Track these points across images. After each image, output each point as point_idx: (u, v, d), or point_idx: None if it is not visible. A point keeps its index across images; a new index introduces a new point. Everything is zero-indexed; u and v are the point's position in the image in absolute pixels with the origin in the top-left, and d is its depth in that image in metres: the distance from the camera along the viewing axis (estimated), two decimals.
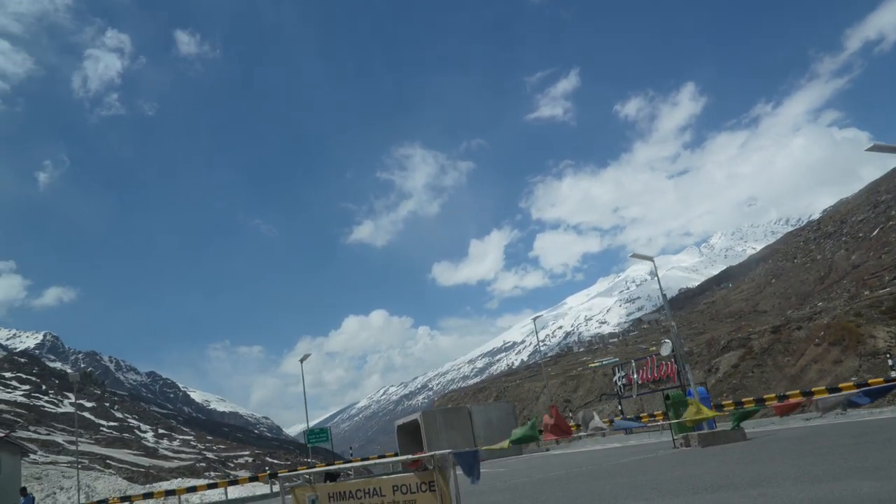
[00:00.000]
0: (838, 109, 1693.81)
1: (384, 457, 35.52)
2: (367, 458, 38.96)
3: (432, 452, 6.41)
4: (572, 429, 11.16)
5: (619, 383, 33.59)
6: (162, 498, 37.62)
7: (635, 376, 29.11)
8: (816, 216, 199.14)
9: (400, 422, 35.65)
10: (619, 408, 36.43)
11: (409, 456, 7.38)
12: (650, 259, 35.54)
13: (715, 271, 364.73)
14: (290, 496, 7.05)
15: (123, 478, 71.69)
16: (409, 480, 6.35)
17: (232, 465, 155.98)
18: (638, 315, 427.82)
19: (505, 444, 10.62)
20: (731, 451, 15.11)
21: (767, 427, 20.76)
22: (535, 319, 58.54)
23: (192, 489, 36.99)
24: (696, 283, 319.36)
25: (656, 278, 30.72)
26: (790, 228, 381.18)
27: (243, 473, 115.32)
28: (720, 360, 67.12)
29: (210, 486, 36.14)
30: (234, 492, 42.16)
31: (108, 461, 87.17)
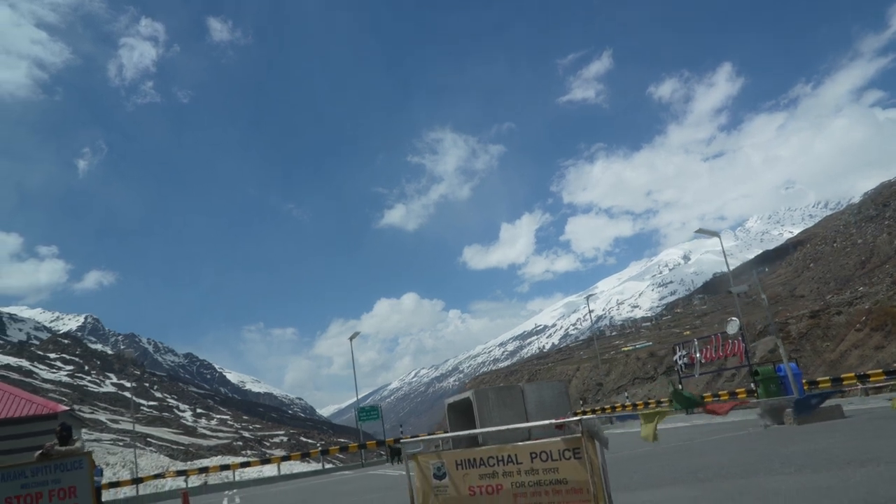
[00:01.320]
0: (882, 89, 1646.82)
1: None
2: (433, 433, 39.55)
3: (579, 417, 5.89)
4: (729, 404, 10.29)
5: (681, 362, 33.02)
6: (217, 471, 39.09)
7: (698, 355, 28.65)
8: (857, 199, 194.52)
9: (450, 400, 35.37)
10: (680, 387, 35.93)
11: (554, 420, 7.04)
12: (716, 234, 34.60)
13: (750, 255, 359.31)
14: (413, 463, 6.34)
15: (165, 455, 73.46)
16: (551, 447, 5.84)
17: (268, 444, 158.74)
18: (671, 299, 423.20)
19: (664, 411, 9.75)
20: (839, 428, 13.88)
21: (848, 406, 19.61)
22: (587, 300, 58.36)
23: (286, 457, 39.52)
24: (731, 268, 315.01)
25: (723, 259, 30.35)
26: (829, 212, 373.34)
27: (278, 452, 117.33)
28: (756, 345, 66.43)
29: (304, 456, 39.14)
30: (269, 469, 43.22)
31: (148, 439, 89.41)
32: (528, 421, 32.37)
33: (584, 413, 42.43)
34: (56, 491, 9.70)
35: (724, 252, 41.30)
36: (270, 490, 20.71)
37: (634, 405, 41.48)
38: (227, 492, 27.26)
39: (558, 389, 34.81)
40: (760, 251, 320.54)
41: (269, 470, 43.36)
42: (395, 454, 29.13)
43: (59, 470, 9.82)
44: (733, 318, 25.46)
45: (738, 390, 33.86)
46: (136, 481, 35.74)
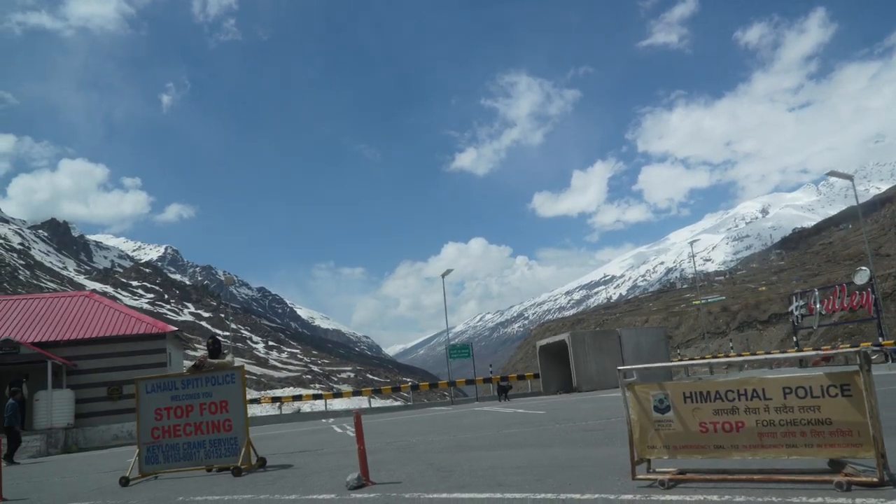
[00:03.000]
0: None
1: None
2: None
3: (848, 349, 5.01)
4: None
5: (797, 313, 31.41)
6: (310, 400, 40.42)
7: (818, 306, 27.15)
8: None
9: (543, 342, 34.39)
10: (795, 339, 33.87)
11: (818, 352, 6.02)
12: (849, 178, 32.23)
13: (833, 211, 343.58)
14: (629, 394, 5.71)
15: None
16: (811, 382, 4.99)
17: (335, 379, 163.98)
18: (746, 254, 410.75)
19: None
20: None
21: None
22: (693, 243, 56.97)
23: (397, 388, 40.45)
24: (812, 223, 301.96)
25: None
26: None
27: (346, 387, 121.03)
28: None
29: (394, 390, 41.03)
30: (342, 403, 44.29)
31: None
32: (623, 366, 30.85)
33: (683, 360, 40.97)
34: (207, 405, 9.40)
35: (855, 195, 38.94)
36: (380, 420, 20.73)
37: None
38: (327, 419, 27.20)
39: (657, 336, 33.03)
40: (844, 207, 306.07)
41: (342, 404, 44.59)
42: (502, 392, 29.18)
43: (211, 383, 9.49)
44: (863, 268, 24.08)
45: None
46: (276, 400, 37.56)
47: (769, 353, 40.56)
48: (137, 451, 9.43)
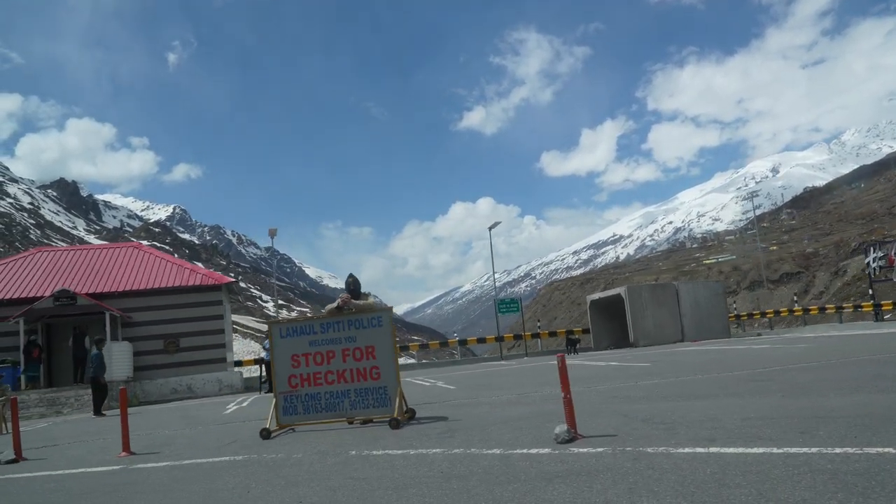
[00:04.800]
0: None
1: None
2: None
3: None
4: None
5: (875, 265, 30.09)
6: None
7: None
8: None
9: (594, 296, 33.54)
10: (871, 292, 32.32)
11: None
12: None
13: (845, 170, 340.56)
14: None
15: (253, 341, 77.44)
16: None
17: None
18: (756, 213, 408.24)
19: None
20: None
21: None
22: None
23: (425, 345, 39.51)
24: (823, 182, 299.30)
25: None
26: None
27: None
28: (848, 263, 63.64)
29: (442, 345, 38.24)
30: None
31: (234, 326, 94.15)
32: (681, 320, 30.01)
33: (738, 316, 40.13)
34: (351, 350, 8.37)
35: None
36: (458, 374, 19.99)
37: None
38: None
39: (715, 290, 32.12)
40: (856, 166, 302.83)
41: None
42: (571, 345, 29.10)
43: (355, 327, 8.42)
44: None
45: None
46: None
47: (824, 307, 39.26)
48: (274, 401, 8.51)
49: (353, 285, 8.89)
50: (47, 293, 23.48)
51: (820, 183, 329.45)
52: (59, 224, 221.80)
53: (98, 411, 17.25)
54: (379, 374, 8.21)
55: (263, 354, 22.35)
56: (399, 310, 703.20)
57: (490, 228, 38.25)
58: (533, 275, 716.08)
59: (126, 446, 7.89)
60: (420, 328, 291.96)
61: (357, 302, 8.64)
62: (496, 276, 41.08)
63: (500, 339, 33.26)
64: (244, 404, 16.36)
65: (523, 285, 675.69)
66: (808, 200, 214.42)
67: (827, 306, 43.61)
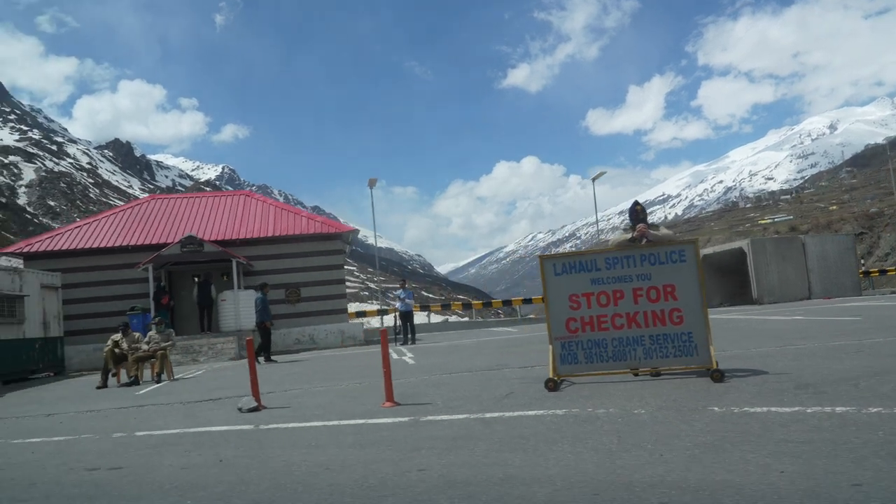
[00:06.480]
0: None
1: None
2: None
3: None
4: None
5: None
6: (375, 315, 40.46)
7: None
8: None
9: (708, 250, 31.44)
10: None
11: None
12: None
13: None
14: None
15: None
16: None
17: (391, 297, 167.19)
18: (811, 172, 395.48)
19: None
20: None
21: None
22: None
23: (488, 303, 40.19)
24: (885, 139, 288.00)
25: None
26: None
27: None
28: None
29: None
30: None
31: None
32: (808, 276, 28.69)
33: (868, 273, 37.74)
34: (645, 290, 7.10)
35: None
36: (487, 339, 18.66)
37: None
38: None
39: (844, 245, 30.06)
40: None
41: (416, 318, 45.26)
42: None
43: (650, 262, 7.12)
44: None
45: None
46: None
47: None
48: (551, 348, 7.33)
49: (642, 213, 7.54)
50: (171, 240, 23.09)
51: (881, 140, 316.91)
52: (115, 183, 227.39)
53: (268, 357, 17.12)
54: (682, 319, 6.96)
55: (397, 305, 21.58)
56: (443, 269, 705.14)
57: (593, 179, 38.87)
58: (578, 235, 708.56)
59: (390, 396, 7.25)
60: (466, 287, 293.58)
61: (656, 233, 7.35)
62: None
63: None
64: (406, 357, 14.59)
65: (568, 245, 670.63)
66: (869, 158, 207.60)
67: (887, 269, 42.40)
